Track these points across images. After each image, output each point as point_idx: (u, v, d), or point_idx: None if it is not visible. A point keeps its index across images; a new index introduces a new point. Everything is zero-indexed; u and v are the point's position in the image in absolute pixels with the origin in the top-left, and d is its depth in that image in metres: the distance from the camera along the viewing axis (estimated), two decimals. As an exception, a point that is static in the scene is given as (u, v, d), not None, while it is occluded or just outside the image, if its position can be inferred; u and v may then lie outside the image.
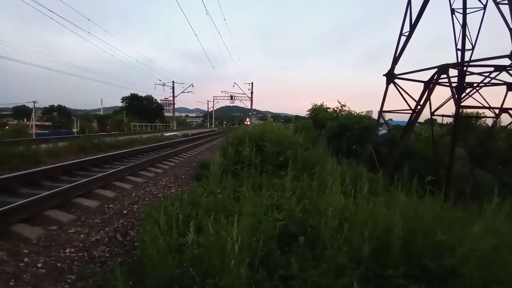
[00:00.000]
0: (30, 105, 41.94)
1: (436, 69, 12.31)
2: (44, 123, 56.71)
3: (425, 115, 15.37)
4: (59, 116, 66.75)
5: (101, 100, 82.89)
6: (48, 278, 3.14)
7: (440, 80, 12.57)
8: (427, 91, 12.92)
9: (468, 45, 14.22)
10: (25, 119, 53.52)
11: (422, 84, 13.39)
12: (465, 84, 13.75)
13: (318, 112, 24.26)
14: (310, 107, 25.67)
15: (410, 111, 13.67)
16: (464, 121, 15.74)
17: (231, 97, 59.72)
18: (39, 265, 3.38)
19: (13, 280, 3.05)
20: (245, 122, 59.33)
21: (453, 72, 13.04)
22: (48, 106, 70.54)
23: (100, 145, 14.00)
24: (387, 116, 17.15)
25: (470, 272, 2.22)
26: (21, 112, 66.73)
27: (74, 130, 36.50)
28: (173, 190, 7.13)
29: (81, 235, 4.23)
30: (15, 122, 42.51)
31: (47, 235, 4.15)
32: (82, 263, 3.50)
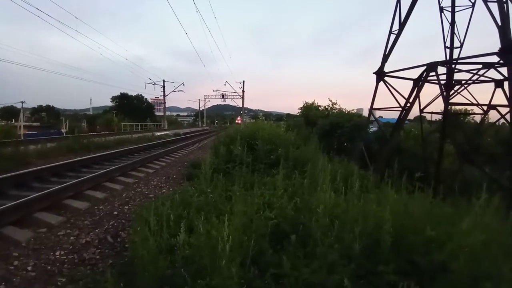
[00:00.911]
0: (18, 105, 41.41)
1: (425, 67, 12.42)
2: (33, 123, 55.80)
3: (414, 112, 15.55)
4: (47, 116, 65.74)
5: (90, 100, 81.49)
6: (38, 281, 3.11)
7: (429, 78, 12.68)
8: (416, 88, 13.03)
9: (456, 43, 14.37)
10: (13, 119, 52.68)
11: (412, 81, 13.51)
12: (453, 82, 13.90)
13: (309, 110, 24.34)
14: (302, 105, 25.77)
15: (400, 109, 13.80)
16: (453, 118, 15.91)
17: (223, 95, 59.65)
18: (29, 268, 3.34)
19: (3, 283, 3.01)
20: (236, 121, 59.33)
21: (441, 69, 13.17)
22: (36, 106, 69.48)
23: (90, 145, 13.83)
24: (378, 113, 17.30)
25: (459, 268, 2.24)
26: (9, 112, 65.65)
27: (63, 130, 36.02)
28: (164, 190, 7.09)
29: (71, 237, 4.19)
30: (3, 123, 41.83)
31: (36, 238, 4.10)
32: (72, 265, 3.46)
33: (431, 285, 2.28)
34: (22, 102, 39.01)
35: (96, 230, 4.49)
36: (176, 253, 2.48)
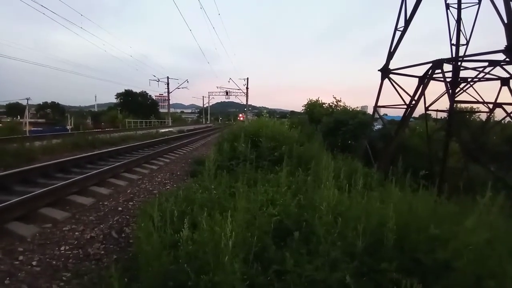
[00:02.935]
0: (24, 102, 41.58)
1: (431, 64, 12.34)
2: (38, 120, 56.18)
3: (419, 110, 15.49)
4: (53, 113, 66.08)
5: (95, 97, 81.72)
6: (43, 276, 3.14)
7: (434, 75, 12.61)
8: (422, 86, 12.96)
9: (462, 40, 14.26)
10: (18, 116, 53.07)
11: (417, 79, 13.43)
12: (459, 79, 13.80)
13: (313, 107, 24.29)
14: (306, 103, 25.71)
15: (405, 106, 13.73)
16: (458, 116, 15.82)
17: (227, 92, 59.59)
18: (34, 263, 3.37)
19: (8, 278, 3.04)
20: (238, 118, 59.34)
21: (447, 67, 13.08)
22: (41, 103, 69.85)
23: (95, 142, 13.92)
24: (382, 111, 17.22)
25: (463, 266, 2.23)
26: (15, 109, 66.10)
27: (68, 127, 36.23)
28: (168, 187, 7.12)
29: (76, 233, 4.22)
30: (8, 120, 42.12)
31: (41, 233, 4.13)
32: (77, 260, 3.49)
33: (434, 283, 2.27)
34: (27, 99, 39.12)
35: (101, 226, 4.52)
36: (180, 248, 2.49)
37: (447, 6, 14.27)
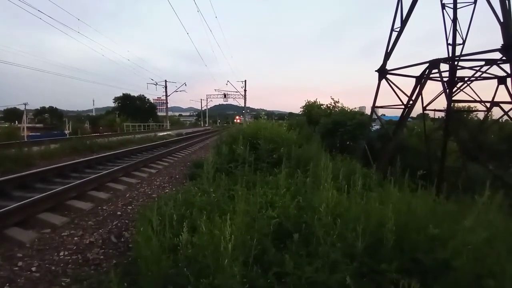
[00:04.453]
0: (21, 107, 41.54)
1: (428, 64, 12.39)
2: (36, 125, 56.06)
3: (417, 110, 15.56)
4: (50, 118, 65.92)
5: (93, 101, 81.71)
6: (42, 281, 3.12)
7: (431, 75, 12.65)
8: (419, 86, 13.01)
9: (459, 40, 14.32)
10: (16, 121, 52.96)
11: (414, 79, 13.48)
12: (456, 79, 13.85)
13: (311, 109, 24.30)
14: (304, 104, 25.74)
15: (403, 106, 13.77)
16: (456, 115, 15.86)
17: (225, 95, 59.59)
18: (33, 268, 3.35)
19: (7, 284, 3.03)
20: (235, 120, 59.37)
21: (444, 66, 13.13)
22: (39, 108, 69.73)
23: (93, 146, 13.89)
24: (380, 111, 17.25)
25: (462, 265, 2.23)
26: (12, 114, 65.96)
27: (66, 131, 36.16)
28: (167, 190, 7.10)
29: (75, 238, 4.20)
30: (6, 125, 42.01)
31: (40, 239, 4.12)
32: (76, 266, 3.47)
33: (434, 283, 2.27)
34: (25, 104, 39.05)
35: (100, 231, 4.51)
36: (179, 252, 2.49)
37: (443, 6, 14.34)
